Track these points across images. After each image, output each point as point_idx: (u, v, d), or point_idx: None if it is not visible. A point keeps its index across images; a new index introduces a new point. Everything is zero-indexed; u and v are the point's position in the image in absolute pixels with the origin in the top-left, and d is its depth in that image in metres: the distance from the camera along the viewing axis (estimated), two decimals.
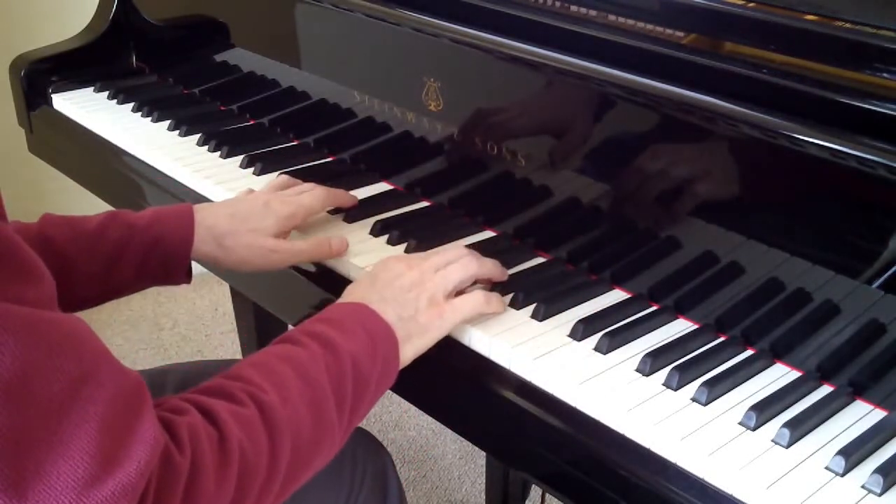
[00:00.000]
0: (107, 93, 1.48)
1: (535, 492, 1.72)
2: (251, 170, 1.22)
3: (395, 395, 0.88)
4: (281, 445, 0.68)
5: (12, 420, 0.52)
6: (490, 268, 0.93)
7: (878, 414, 0.80)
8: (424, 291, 0.86)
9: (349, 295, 0.87)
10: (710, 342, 0.88)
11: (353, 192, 1.14)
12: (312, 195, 1.04)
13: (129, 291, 0.98)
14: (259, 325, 1.67)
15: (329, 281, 1.02)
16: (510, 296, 0.94)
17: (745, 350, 0.88)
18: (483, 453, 1.83)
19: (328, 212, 1.10)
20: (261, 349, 0.77)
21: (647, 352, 0.85)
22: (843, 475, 0.73)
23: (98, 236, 0.93)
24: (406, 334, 0.83)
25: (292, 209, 1.01)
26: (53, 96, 1.48)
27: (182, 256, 0.96)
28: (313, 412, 0.72)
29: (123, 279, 0.95)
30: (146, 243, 0.94)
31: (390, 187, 1.18)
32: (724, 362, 0.85)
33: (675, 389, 0.82)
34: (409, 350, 0.84)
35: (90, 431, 0.55)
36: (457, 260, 0.90)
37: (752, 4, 0.87)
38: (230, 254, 0.98)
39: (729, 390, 0.82)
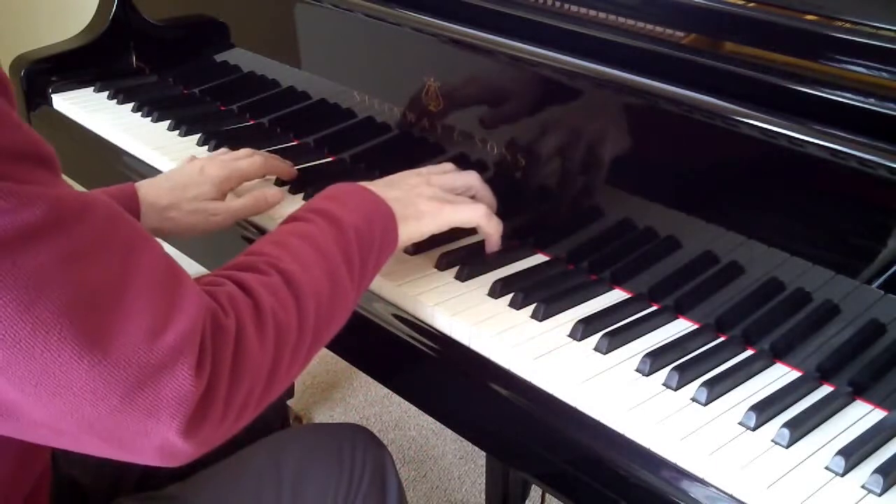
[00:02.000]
0: (107, 93, 1.48)
1: (535, 492, 1.72)
2: None
3: (395, 395, 0.88)
4: (306, 307, 0.74)
5: (85, 286, 0.59)
6: (489, 196, 1.00)
7: (878, 414, 0.80)
8: (427, 191, 0.93)
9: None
10: (710, 342, 0.88)
11: None
12: (249, 161, 1.10)
13: None
14: None
15: None
16: (510, 295, 0.94)
17: (745, 350, 0.87)
18: (483, 453, 1.83)
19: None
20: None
21: (647, 352, 0.85)
22: (843, 475, 0.73)
23: None
24: (402, 215, 0.89)
25: (227, 172, 1.07)
26: (53, 96, 1.48)
27: None
28: (329, 277, 0.78)
29: None
30: None
31: None
32: (724, 362, 0.85)
33: (675, 389, 0.82)
34: (404, 231, 0.89)
35: (145, 290, 0.62)
36: (464, 186, 0.98)
37: (752, 4, 0.87)
38: (175, 224, 1.04)
39: (729, 390, 0.82)
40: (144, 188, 1.03)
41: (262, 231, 1.10)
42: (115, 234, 0.63)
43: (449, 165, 1.01)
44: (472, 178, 0.99)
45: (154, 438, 0.62)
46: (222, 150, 1.17)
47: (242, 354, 0.67)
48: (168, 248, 1.17)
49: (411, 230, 0.90)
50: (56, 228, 0.58)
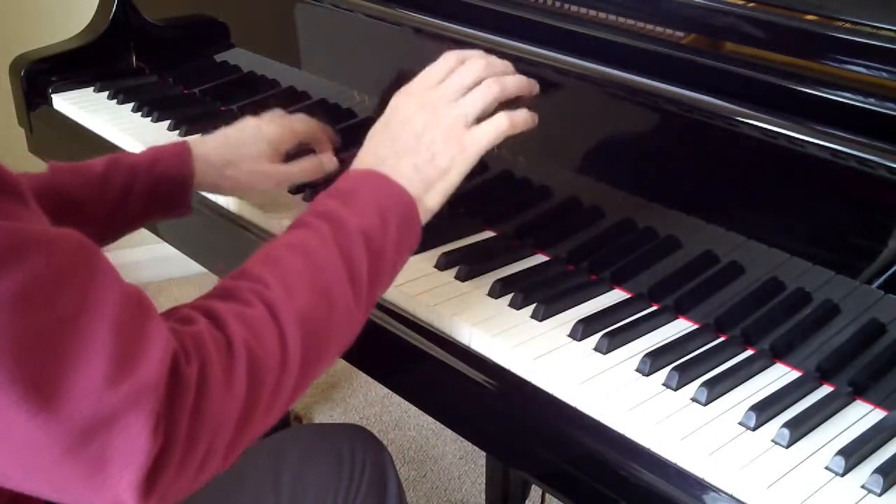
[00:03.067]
0: (107, 93, 1.48)
1: (535, 492, 1.72)
2: None
3: (395, 395, 0.88)
4: (291, 339, 0.68)
5: (34, 327, 0.55)
6: (514, 84, 0.85)
7: (878, 414, 0.80)
8: (439, 129, 0.81)
9: (364, 151, 0.85)
10: (710, 342, 0.88)
11: None
12: (302, 119, 1.11)
13: (134, 228, 1.04)
14: None
15: None
16: (510, 295, 0.94)
17: (745, 350, 0.87)
18: (483, 453, 1.83)
19: None
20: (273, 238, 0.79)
21: (647, 352, 0.85)
22: (843, 475, 0.73)
23: (104, 181, 0.99)
24: (425, 185, 0.81)
25: (282, 130, 1.08)
26: (53, 96, 1.48)
27: (184, 191, 1.02)
28: (326, 297, 0.72)
29: (129, 218, 1.01)
30: (150, 183, 1.00)
31: None
32: (724, 362, 0.85)
33: (675, 389, 0.82)
34: (434, 197, 0.81)
35: (104, 334, 0.57)
36: (474, 83, 0.84)
37: (752, 4, 0.87)
38: (233, 182, 1.05)
39: (729, 390, 0.82)
40: (200, 146, 1.04)
41: (271, 237, 1.09)
42: (78, 271, 0.58)
43: (461, 82, 0.84)
44: (494, 91, 0.83)
45: (104, 494, 0.57)
46: (277, 110, 1.14)
47: (204, 406, 0.61)
48: (168, 249, 1.17)
49: (441, 191, 0.82)
50: (10, 262, 0.54)
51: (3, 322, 0.54)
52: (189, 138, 1.05)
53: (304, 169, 1.07)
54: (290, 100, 1.31)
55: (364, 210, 0.77)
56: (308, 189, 1.14)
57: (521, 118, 0.84)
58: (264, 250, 0.76)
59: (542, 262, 1.02)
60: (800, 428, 0.76)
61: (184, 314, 0.67)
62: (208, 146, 1.05)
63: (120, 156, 1.02)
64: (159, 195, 1.01)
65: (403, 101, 0.85)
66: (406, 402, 1.33)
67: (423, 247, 1.02)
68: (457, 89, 0.83)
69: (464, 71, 0.84)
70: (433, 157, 0.81)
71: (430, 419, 1.67)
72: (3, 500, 0.73)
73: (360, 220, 0.76)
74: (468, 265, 0.98)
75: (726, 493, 0.73)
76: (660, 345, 0.87)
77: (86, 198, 0.97)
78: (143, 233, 1.12)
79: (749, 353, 0.87)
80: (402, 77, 0.89)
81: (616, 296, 0.96)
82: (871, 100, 0.77)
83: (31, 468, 0.56)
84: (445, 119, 0.82)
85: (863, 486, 0.72)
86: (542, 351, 0.86)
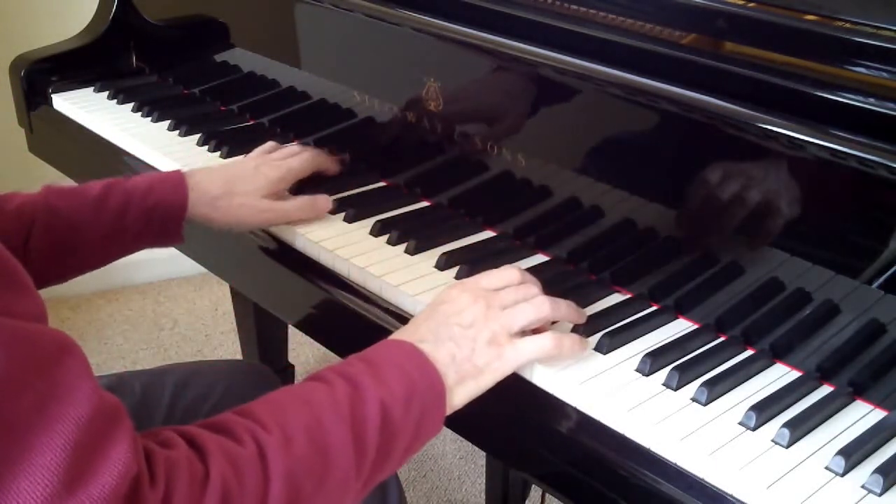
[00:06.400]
0: (107, 93, 1.48)
1: (535, 492, 1.72)
2: None
3: None
4: (274, 489, 0.65)
5: None
6: (565, 311, 0.86)
7: (878, 414, 0.80)
8: (486, 329, 0.80)
9: (407, 326, 0.82)
10: (710, 342, 0.88)
11: (352, 192, 1.14)
12: (300, 158, 1.12)
13: (127, 253, 1.04)
14: (259, 325, 1.67)
15: (329, 281, 1.02)
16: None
17: (745, 350, 0.87)
18: (483, 453, 1.83)
19: (328, 212, 1.10)
20: (284, 386, 0.75)
21: (647, 352, 0.85)
22: (843, 475, 0.73)
23: (100, 205, 0.99)
24: (459, 377, 0.77)
25: (281, 173, 1.08)
26: (53, 96, 1.48)
27: (177, 220, 1.03)
28: (323, 458, 0.68)
29: (123, 243, 1.01)
30: (145, 210, 1.00)
31: (390, 187, 1.18)
32: (724, 362, 0.85)
33: (675, 389, 0.82)
34: (462, 394, 0.78)
35: (57, 449, 0.54)
36: (530, 299, 0.83)
37: (752, 4, 0.87)
38: (224, 214, 1.04)
39: (729, 390, 0.82)
40: (197, 176, 1.04)
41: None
42: (43, 375, 0.55)
43: (516, 295, 0.83)
44: (545, 310, 0.83)
45: None
46: (270, 143, 1.17)
47: None
48: (168, 249, 1.17)
49: (470, 390, 0.78)
50: None
51: None
52: (189, 171, 1.06)
53: (298, 207, 1.08)
54: (290, 100, 1.31)
55: (392, 383, 0.73)
56: (307, 189, 1.14)
57: (569, 343, 0.82)
58: (273, 395, 0.72)
59: (542, 262, 1.02)
60: (800, 428, 0.76)
61: (166, 437, 0.64)
62: (204, 176, 1.05)
63: (117, 180, 1.03)
64: (153, 222, 1.01)
65: (458, 292, 0.83)
66: None
67: (424, 246, 1.02)
68: (513, 299, 0.82)
69: (522, 287, 0.84)
70: (472, 353, 0.78)
71: None
72: None
73: (384, 392, 0.72)
74: (469, 265, 0.98)
75: (726, 493, 0.73)
76: (660, 345, 0.87)
77: (81, 219, 0.98)
78: None
79: (749, 353, 0.87)
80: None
81: (616, 296, 0.96)
82: (871, 100, 0.77)
83: None
84: (493, 322, 0.80)
85: (863, 486, 0.72)
86: None
